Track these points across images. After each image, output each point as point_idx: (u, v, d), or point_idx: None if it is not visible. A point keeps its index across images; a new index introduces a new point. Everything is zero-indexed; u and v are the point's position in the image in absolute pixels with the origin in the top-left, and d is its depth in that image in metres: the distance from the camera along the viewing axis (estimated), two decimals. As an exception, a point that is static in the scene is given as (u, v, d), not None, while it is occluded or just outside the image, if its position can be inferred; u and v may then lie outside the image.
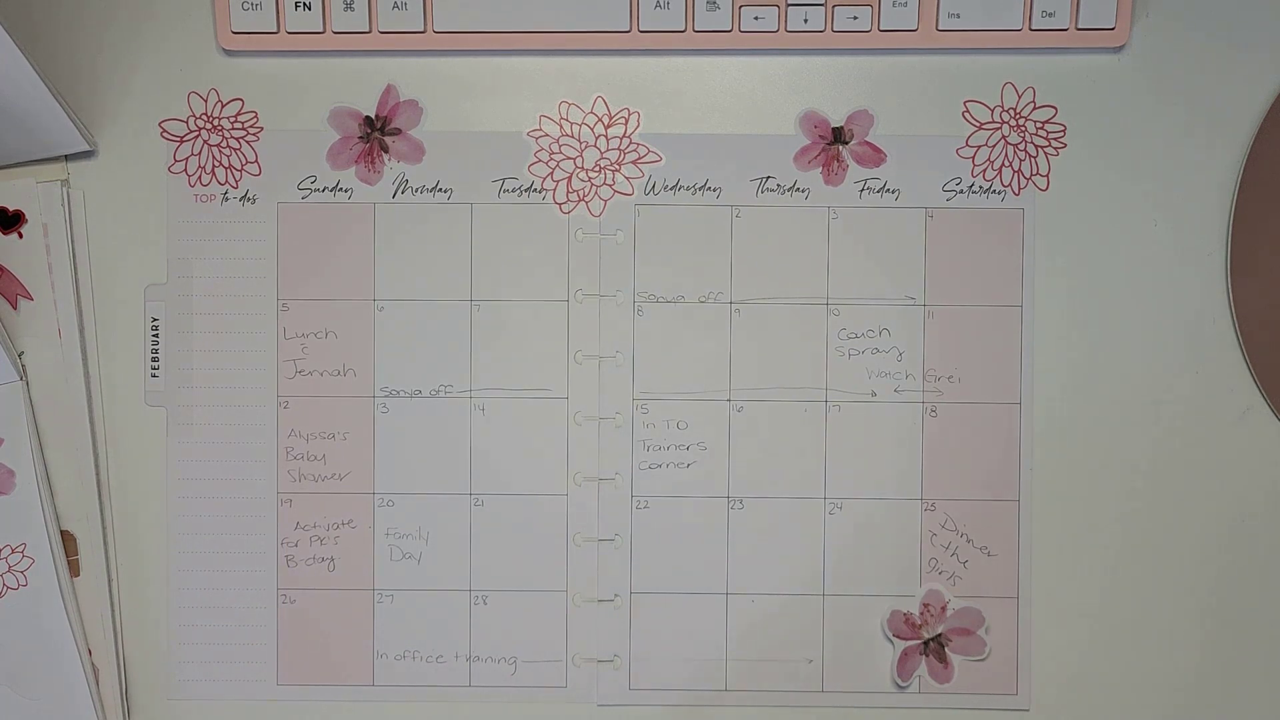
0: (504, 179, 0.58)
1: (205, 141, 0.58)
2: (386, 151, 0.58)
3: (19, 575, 0.57)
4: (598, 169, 0.58)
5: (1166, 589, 0.58)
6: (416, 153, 0.58)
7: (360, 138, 0.58)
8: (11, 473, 0.57)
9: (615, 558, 0.58)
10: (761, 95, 0.57)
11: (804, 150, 0.57)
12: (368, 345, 0.58)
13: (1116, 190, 0.57)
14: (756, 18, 0.55)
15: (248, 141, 0.58)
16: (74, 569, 0.57)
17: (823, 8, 0.55)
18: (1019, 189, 0.57)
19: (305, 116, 0.58)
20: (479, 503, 0.58)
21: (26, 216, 0.57)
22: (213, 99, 0.58)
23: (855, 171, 0.57)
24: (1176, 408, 0.57)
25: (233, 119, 0.58)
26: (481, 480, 0.58)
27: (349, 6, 0.55)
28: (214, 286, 0.58)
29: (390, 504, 0.58)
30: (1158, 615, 0.58)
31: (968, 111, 0.57)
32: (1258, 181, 0.56)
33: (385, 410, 0.58)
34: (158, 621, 0.58)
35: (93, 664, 0.57)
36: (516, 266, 0.58)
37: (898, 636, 0.58)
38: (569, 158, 0.58)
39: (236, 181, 0.58)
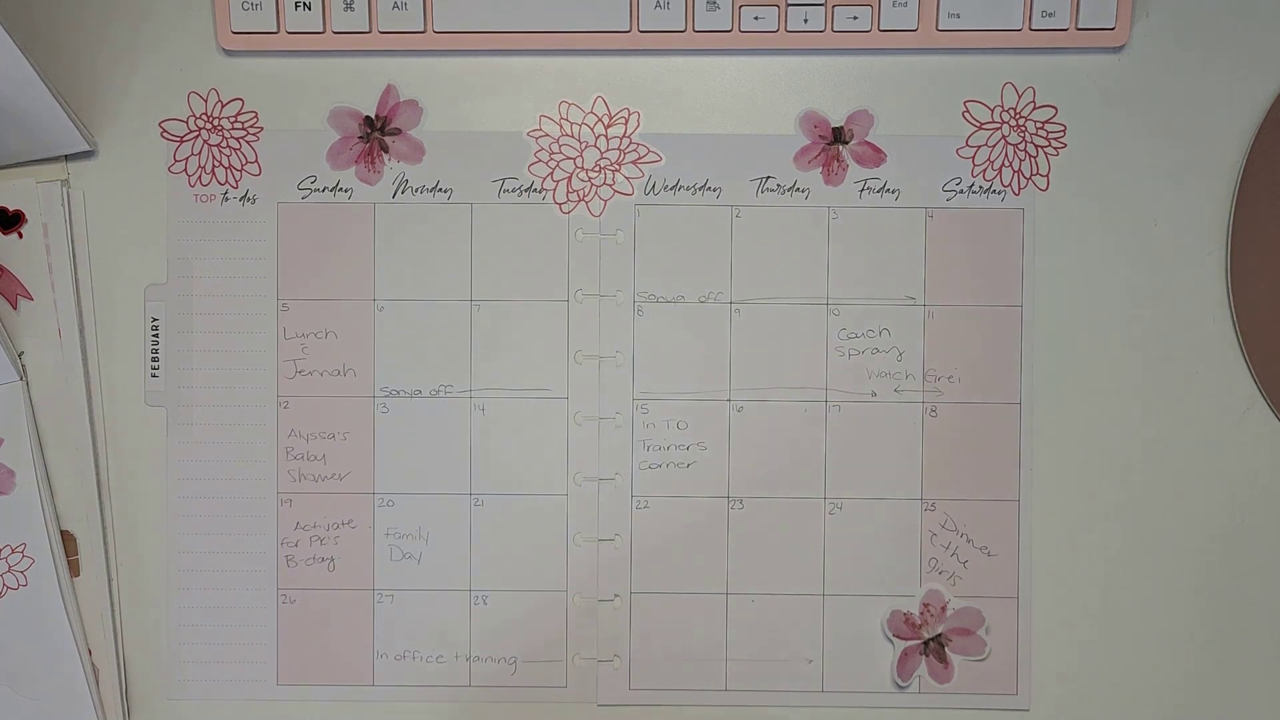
0: (504, 179, 0.58)
1: (205, 141, 0.58)
2: (386, 151, 0.58)
3: (19, 575, 0.57)
4: (598, 169, 0.58)
5: (1166, 589, 0.58)
6: (416, 153, 0.58)
7: (360, 138, 0.58)
8: (11, 473, 0.57)
9: (615, 558, 0.58)
10: (761, 95, 0.57)
11: (804, 150, 0.57)
12: (368, 345, 0.58)
13: (1116, 190, 0.57)
14: (756, 18, 0.55)
15: (248, 141, 0.58)
16: (74, 569, 0.57)
17: (823, 8, 0.55)
18: (1019, 189, 0.57)
19: (305, 116, 0.58)
20: (479, 503, 0.58)
21: (26, 216, 0.57)
22: (213, 99, 0.58)
23: (855, 171, 0.57)
24: (1176, 407, 0.57)
25: (233, 119, 0.58)
26: (481, 480, 0.58)
27: (349, 6, 0.55)
28: (214, 286, 0.58)
29: (390, 504, 0.58)
30: (1157, 615, 0.58)
31: (968, 111, 0.57)
32: (1258, 181, 0.56)
33: (385, 410, 0.58)
34: (158, 621, 0.58)
35: (93, 664, 0.57)
36: (516, 266, 0.58)
37: (898, 636, 0.58)
38: (569, 158, 0.58)
39: (236, 181, 0.58)
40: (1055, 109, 0.57)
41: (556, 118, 0.58)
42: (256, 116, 0.58)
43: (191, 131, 0.58)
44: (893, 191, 0.57)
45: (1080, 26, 0.55)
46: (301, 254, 0.58)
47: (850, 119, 0.57)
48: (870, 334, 0.58)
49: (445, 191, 0.58)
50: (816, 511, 0.58)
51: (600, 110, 0.58)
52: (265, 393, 0.58)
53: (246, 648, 0.58)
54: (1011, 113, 0.57)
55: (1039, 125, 0.57)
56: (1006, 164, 0.57)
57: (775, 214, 0.58)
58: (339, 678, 0.58)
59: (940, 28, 0.56)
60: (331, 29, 0.56)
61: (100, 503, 0.57)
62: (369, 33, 0.56)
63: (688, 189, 0.58)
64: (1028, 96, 0.57)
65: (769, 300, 0.58)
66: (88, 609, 0.58)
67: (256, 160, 0.58)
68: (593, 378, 0.58)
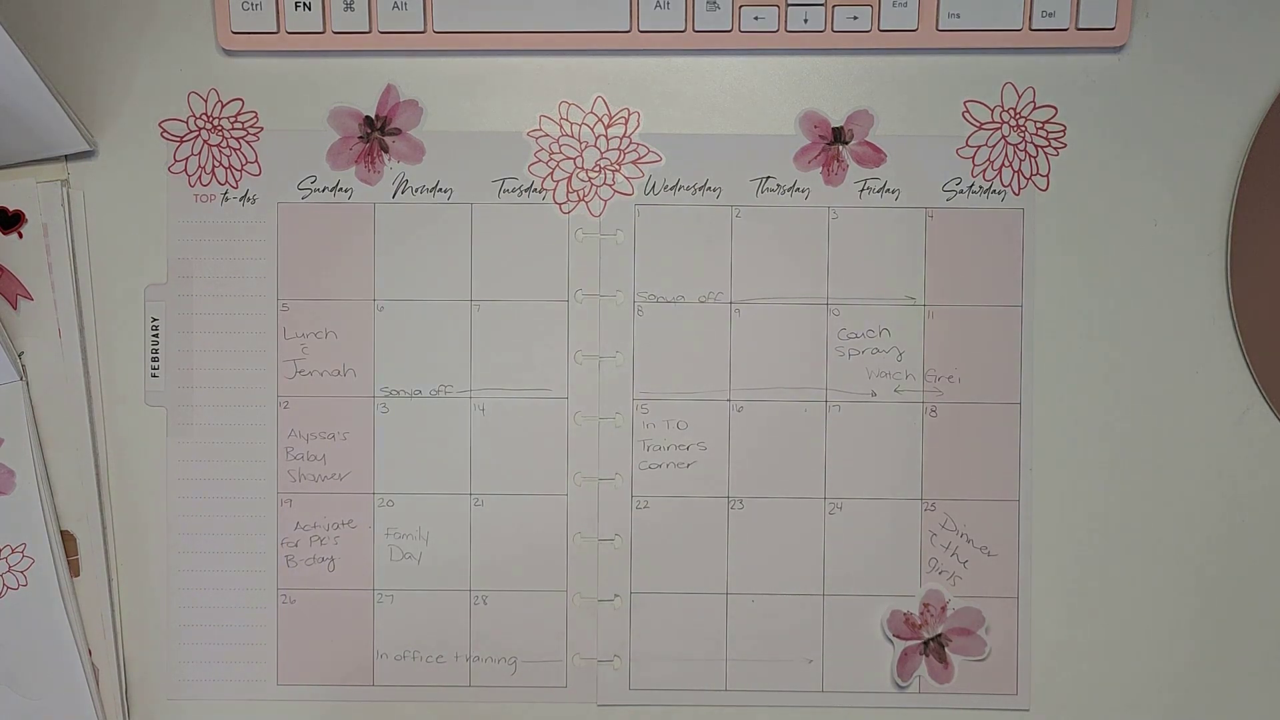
0: (504, 179, 0.58)
1: (205, 141, 0.58)
2: (386, 151, 0.58)
3: (19, 575, 0.57)
4: (598, 169, 0.58)
5: (1166, 589, 0.58)
6: (416, 153, 0.58)
7: (360, 138, 0.58)
8: (11, 473, 0.57)
9: (615, 558, 0.58)
10: (761, 95, 0.57)
11: (804, 150, 0.57)
12: (368, 345, 0.58)
13: (1116, 190, 0.57)
14: (756, 18, 0.55)
15: (248, 141, 0.58)
16: (74, 569, 0.57)
17: (823, 8, 0.55)
18: (1019, 189, 0.57)
19: (305, 116, 0.58)
20: (479, 503, 0.58)
21: (26, 216, 0.57)
22: (213, 99, 0.58)
23: (855, 171, 0.57)
24: (1176, 407, 0.57)
25: (233, 119, 0.58)
26: (481, 480, 0.58)
27: (349, 6, 0.55)
28: (214, 286, 0.58)
29: (390, 504, 0.58)
30: (1157, 615, 0.58)
31: (968, 111, 0.57)
32: (1258, 181, 0.56)
33: (385, 410, 0.58)
34: (158, 621, 0.58)
35: (93, 664, 0.57)
36: (516, 266, 0.58)
37: (898, 636, 0.58)
38: (569, 158, 0.58)
39: (236, 181, 0.58)
40: (1055, 109, 0.57)
41: (556, 118, 0.58)
42: (256, 116, 0.58)
43: (191, 131, 0.58)
44: (893, 191, 0.57)
45: (1080, 26, 0.55)
46: (301, 254, 0.58)
47: (850, 119, 0.57)
48: (870, 334, 0.58)
49: (445, 191, 0.58)
50: (816, 511, 0.58)
51: (600, 110, 0.58)
52: (265, 393, 0.58)
53: (246, 648, 0.58)
54: (1011, 113, 0.57)
55: (1039, 125, 0.57)
56: (1006, 164, 0.57)
57: (775, 214, 0.58)
58: (339, 678, 0.58)
59: (940, 28, 0.56)
60: (331, 29, 0.56)
61: (100, 503, 0.57)
62: (369, 33, 0.56)
63: (688, 189, 0.58)
64: (1028, 96, 0.57)
65: (769, 300, 0.58)
66: (88, 609, 0.58)
67: (256, 160, 0.58)
68: (593, 378, 0.58)
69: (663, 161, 0.58)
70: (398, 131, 0.58)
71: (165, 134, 0.58)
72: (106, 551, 0.58)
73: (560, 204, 0.58)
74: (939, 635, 0.58)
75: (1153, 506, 0.58)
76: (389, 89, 0.58)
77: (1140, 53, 0.57)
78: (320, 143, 0.58)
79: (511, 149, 0.58)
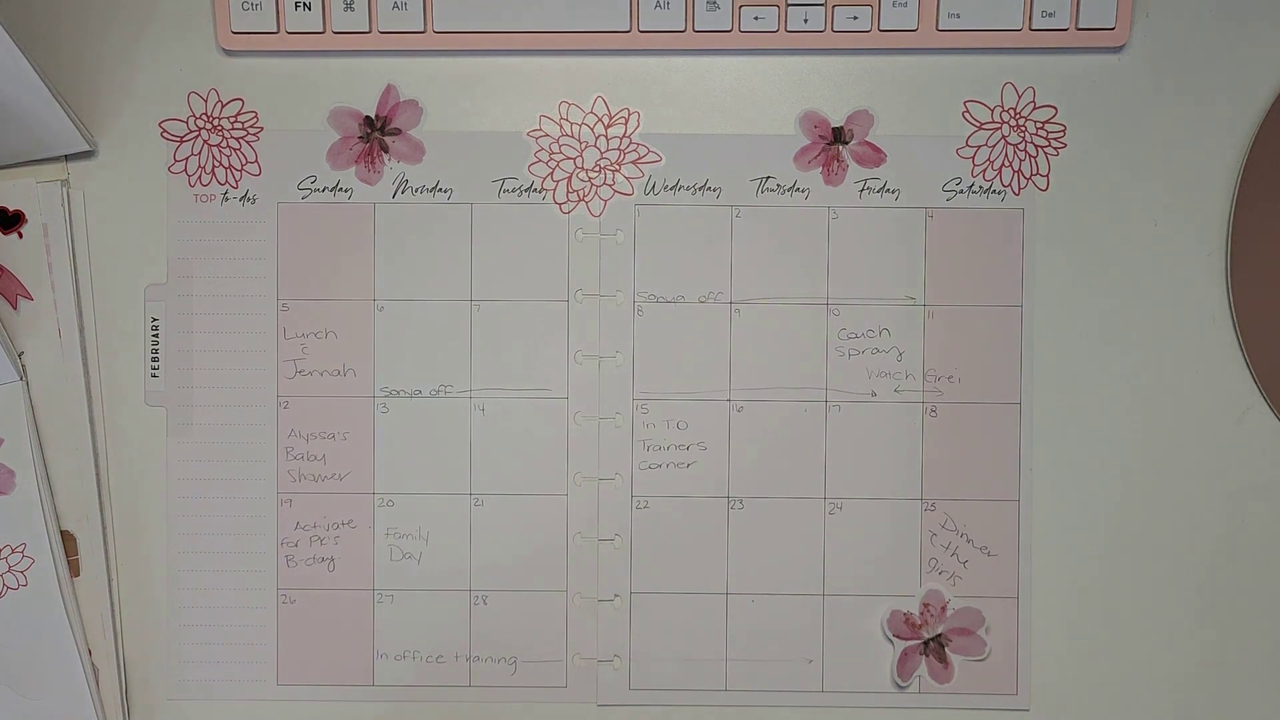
0: (504, 179, 0.58)
1: (205, 141, 0.58)
2: (386, 151, 0.58)
3: (19, 575, 0.57)
4: (598, 169, 0.58)
5: (1166, 589, 0.58)
6: (416, 153, 0.58)
7: (360, 138, 0.58)
8: (11, 473, 0.57)
9: (615, 558, 0.58)
10: (761, 95, 0.57)
11: (804, 150, 0.57)
12: (368, 345, 0.58)
13: (1116, 190, 0.57)
14: (756, 18, 0.55)
15: (248, 141, 0.58)
16: (74, 569, 0.57)
17: (823, 8, 0.55)
18: (1019, 189, 0.57)
19: (305, 116, 0.58)
20: (479, 503, 0.58)
21: (26, 216, 0.57)
22: (213, 99, 0.58)
23: (855, 171, 0.57)
24: (1176, 407, 0.57)
25: (233, 119, 0.58)
26: (481, 480, 0.58)
27: (349, 6, 0.55)
28: (214, 286, 0.58)
29: (390, 504, 0.58)
30: (1157, 615, 0.58)
31: (968, 111, 0.57)
32: (1258, 181, 0.56)
33: (385, 410, 0.58)
34: (158, 621, 0.58)
35: (93, 664, 0.57)
36: (516, 266, 0.58)
37: (898, 636, 0.58)
38: (569, 158, 0.58)
39: (236, 181, 0.58)
40: (1055, 109, 0.57)
41: (556, 118, 0.58)
42: (256, 116, 0.58)
43: (191, 131, 0.58)
44: (893, 191, 0.57)
45: (1080, 26, 0.55)
46: (301, 254, 0.58)
47: (850, 119, 0.57)
48: (870, 334, 0.58)
49: (445, 191, 0.58)
50: (816, 511, 0.58)
51: (600, 110, 0.58)
52: (265, 393, 0.58)
53: (246, 648, 0.58)
54: (1011, 113, 0.57)
55: (1039, 125, 0.57)
56: (1006, 164, 0.57)
57: (775, 214, 0.58)
58: (339, 678, 0.58)
59: (940, 28, 0.56)
60: (331, 29, 0.56)
61: (100, 503, 0.57)
62: (369, 33, 0.56)
63: (688, 189, 0.58)
64: (1028, 96, 0.57)
65: (769, 300, 0.58)
66: (88, 609, 0.58)
67: (256, 160, 0.58)
68: (593, 378, 0.58)
69: (663, 161, 0.58)
70: (398, 131, 0.58)
71: (165, 134, 0.58)
72: (106, 551, 0.58)
73: (560, 204, 0.58)
74: (939, 635, 0.58)
75: (1153, 506, 0.58)
76: (389, 89, 0.58)
77: (1140, 53, 0.57)
78: (320, 143, 0.58)
79: (511, 149, 0.58)
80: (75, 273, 0.57)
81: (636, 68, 0.57)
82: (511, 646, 0.58)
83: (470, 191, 0.58)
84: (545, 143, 0.58)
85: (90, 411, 0.57)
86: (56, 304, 0.57)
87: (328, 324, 0.58)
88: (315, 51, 0.57)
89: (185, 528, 0.58)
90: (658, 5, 0.55)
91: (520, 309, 0.58)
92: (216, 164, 0.58)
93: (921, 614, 0.58)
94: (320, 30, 0.56)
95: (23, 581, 0.57)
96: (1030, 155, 0.57)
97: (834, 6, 0.55)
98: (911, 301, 0.58)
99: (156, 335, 0.58)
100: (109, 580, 0.58)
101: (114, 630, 0.58)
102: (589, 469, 0.58)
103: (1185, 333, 0.57)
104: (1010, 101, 0.57)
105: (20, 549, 0.57)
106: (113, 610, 0.58)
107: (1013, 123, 0.57)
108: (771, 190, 0.58)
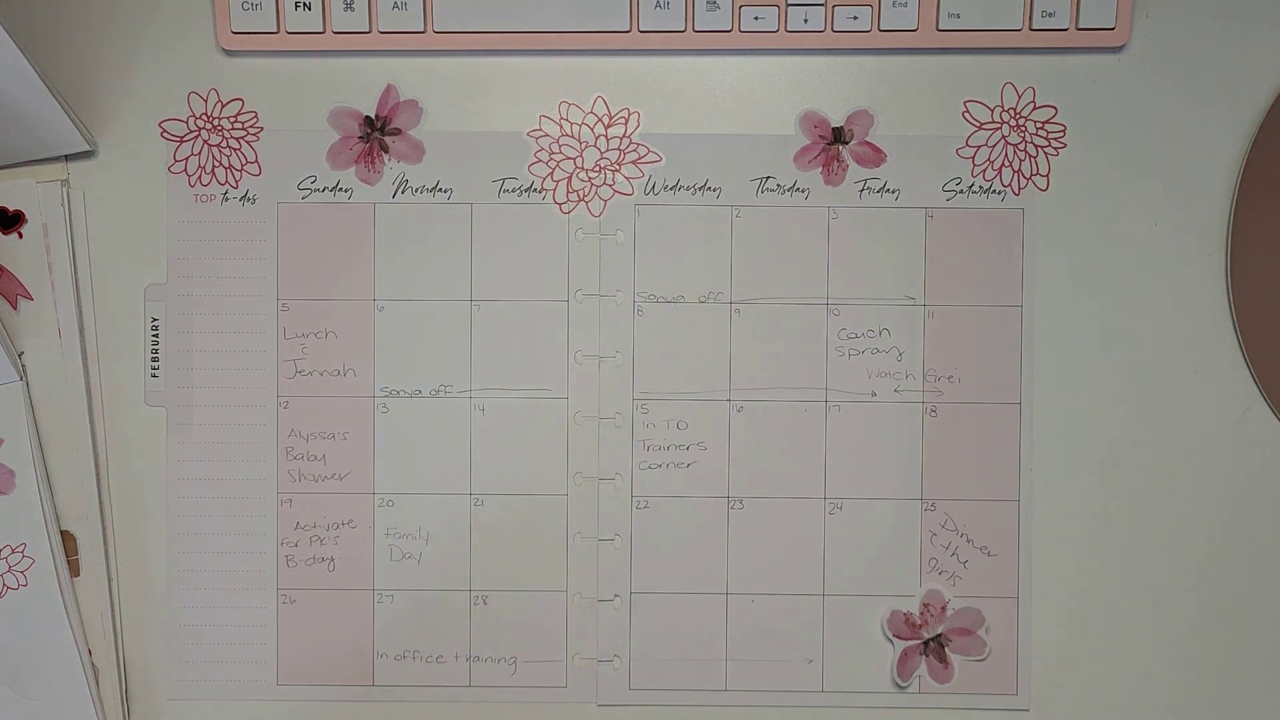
0: (504, 179, 0.58)
1: (205, 141, 0.58)
2: (386, 151, 0.58)
3: (19, 575, 0.57)
4: (598, 169, 0.58)
5: (1166, 589, 0.58)
6: (416, 153, 0.58)
7: (360, 138, 0.58)
8: (11, 473, 0.57)
9: (615, 558, 0.58)
10: (761, 95, 0.57)
11: (804, 150, 0.57)
12: (368, 345, 0.58)
13: (1116, 190, 0.57)
14: (756, 18, 0.55)
15: (248, 141, 0.58)
16: (74, 569, 0.57)
17: (823, 8, 0.55)
18: (1019, 189, 0.57)
19: (305, 116, 0.58)
20: (479, 503, 0.58)
21: (26, 216, 0.57)
22: (213, 99, 0.58)
23: (855, 171, 0.57)
24: (1176, 407, 0.57)
25: (233, 119, 0.58)
26: (481, 480, 0.58)
27: (349, 6, 0.55)
28: (214, 286, 0.58)
29: (390, 504, 0.58)
30: (1157, 615, 0.58)
31: (968, 111, 0.57)
32: (1258, 181, 0.56)
33: (385, 410, 0.58)
34: (158, 621, 0.58)
35: (93, 664, 0.57)
36: (516, 266, 0.58)
37: (898, 636, 0.58)
38: (569, 158, 0.58)
39: (236, 181, 0.58)
40: (1055, 109, 0.57)
41: (556, 118, 0.58)
42: (256, 116, 0.58)
43: (191, 131, 0.58)
44: (893, 191, 0.57)
45: (1080, 26, 0.55)
46: (301, 254, 0.58)
47: (850, 119, 0.57)
48: (870, 334, 0.58)
49: (445, 191, 0.58)
50: (816, 511, 0.58)
51: (600, 110, 0.58)
52: (265, 393, 0.58)
53: (246, 648, 0.58)
54: (1011, 113, 0.57)
55: (1039, 125, 0.57)
56: (1006, 164, 0.57)
57: (775, 214, 0.58)
58: (339, 678, 0.58)
59: (940, 28, 0.56)
60: (331, 29, 0.56)
61: (100, 503, 0.57)
62: (369, 33, 0.56)
63: (688, 189, 0.58)
64: (1028, 96, 0.57)
65: (769, 300, 0.58)
66: (88, 609, 0.58)
67: (256, 160, 0.58)
68: (593, 378, 0.58)
69: (663, 161, 0.58)
70: (398, 131, 0.58)
71: (165, 134, 0.58)
72: (106, 551, 0.58)
73: (560, 204, 0.58)
74: (939, 635, 0.58)
75: (1153, 506, 0.58)
76: (389, 89, 0.58)
77: (1140, 53, 0.57)
78: (320, 143, 0.58)
79: (511, 149, 0.58)
80: (75, 273, 0.57)
81: (636, 68, 0.57)
82: (511, 646, 0.58)
83: (470, 191, 0.58)
84: (545, 143, 0.58)
85: (90, 411, 0.57)
86: (56, 304, 0.57)
87: (328, 324, 0.58)
88: (315, 51, 0.57)
89: (185, 528, 0.58)
90: (658, 5, 0.55)
91: (520, 309, 0.58)
92: (216, 164, 0.58)
93: (921, 614, 0.58)
94: (320, 30, 0.56)
95: (23, 581, 0.57)
96: (1030, 155, 0.57)
97: (834, 6, 0.55)
98: (911, 301, 0.58)
99: (156, 335, 0.58)
100: (109, 580, 0.58)
101: (114, 630, 0.58)
102: (589, 469, 0.58)
103: (1185, 333, 0.57)
104: (1010, 101, 0.57)
105: (20, 549, 0.57)
106: (113, 610, 0.58)
107: (1013, 123, 0.57)
108: (771, 190, 0.58)
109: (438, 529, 0.58)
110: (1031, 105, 0.57)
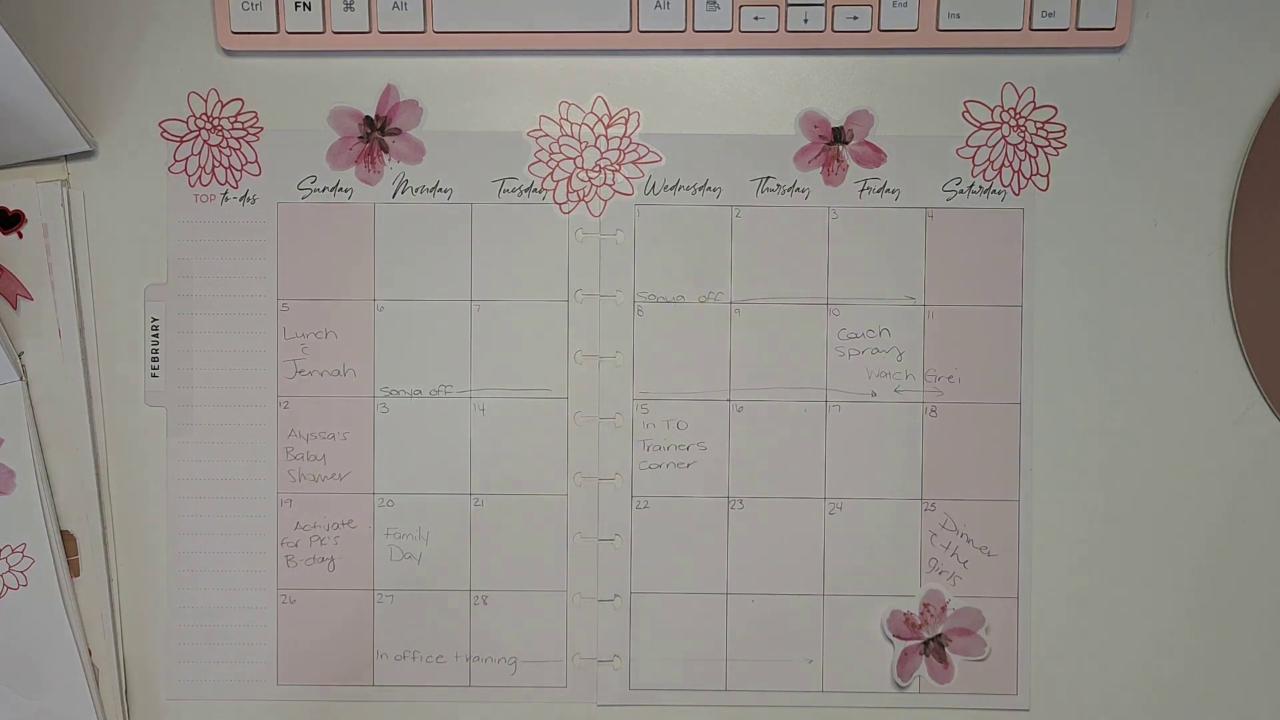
0: (504, 179, 0.58)
1: (205, 141, 0.58)
2: (386, 151, 0.58)
3: (19, 575, 0.57)
4: (598, 169, 0.58)
5: (1166, 589, 0.58)
6: (416, 153, 0.58)
7: (360, 138, 0.58)
8: (11, 473, 0.57)
9: (615, 558, 0.58)
10: (761, 95, 0.57)
11: (804, 150, 0.57)
12: (368, 345, 0.58)
13: (1116, 190, 0.57)
14: (756, 18, 0.55)
15: (248, 141, 0.58)
16: (74, 569, 0.57)
17: (823, 8, 0.55)
18: (1019, 189, 0.57)
19: (305, 116, 0.58)
20: (479, 503, 0.58)
21: (26, 216, 0.57)
22: (213, 99, 0.58)
23: (855, 171, 0.57)
24: (1176, 408, 0.57)
25: (233, 119, 0.58)
26: (481, 480, 0.58)
27: (349, 6, 0.55)
28: (214, 286, 0.58)
29: (390, 504, 0.58)
30: (1157, 615, 0.58)
31: (968, 111, 0.57)
32: (1258, 181, 0.56)
33: (385, 410, 0.58)
34: (157, 621, 0.58)
35: (93, 664, 0.57)
36: (516, 266, 0.58)
37: (898, 636, 0.58)
38: (569, 158, 0.58)
39: (236, 181, 0.58)
40: (1055, 109, 0.57)
41: (556, 118, 0.58)
42: (256, 116, 0.58)
43: (191, 131, 0.58)
44: (893, 191, 0.57)
45: (1080, 26, 0.55)
46: (301, 254, 0.58)
47: (850, 119, 0.57)
48: (870, 334, 0.58)
49: (445, 191, 0.58)
50: (816, 511, 0.58)
51: (600, 110, 0.58)
52: (265, 393, 0.58)
53: (246, 648, 0.58)
54: (1011, 113, 0.57)
55: (1039, 125, 0.57)
56: (1006, 164, 0.57)
57: (775, 214, 0.58)
58: (339, 678, 0.58)
59: (940, 28, 0.56)
60: (331, 29, 0.56)
61: (100, 503, 0.57)
62: (369, 33, 0.56)
63: (688, 189, 0.58)
64: (1028, 96, 0.57)
65: (769, 300, 0.58)
66: (88, 609, 0.58)
67: (256, 160, 0.58)
68: (593, 378, 0.58)
69: (663, 161, 0.58)
70: (398, 131, 0.58)
71: (165, 134, 0.58)
72: (106, 551, 0.58)
73: (560, 204, 0.58)
74: (939, 635, 0.58)
75: (1152, 506, 0.58)
76: (389, 89, 0.58)
77: (1140, 53, 0.57)
78: (320, 143, 0.58)
79: (511, 149, 0.58)
80: (75, 273, 0.57)
81: (636, 68, 0.57)
82: (511, 646, 0.58)
83: (470, 191, 0.58)
84: (545, 143, 0.58)
85: (90, 411, 0.57)
86: (56, 304, 0.57)
87: (328, 324, 0.58)
88: (315, 51, 0.57)
89: (185, 528, 0.58)
90: (658, 5, 0.55)
91: (520, 309, 0.58)
92: (216, 164, 0.58)
93: (921, 614, 0.58)
94: (320, 30, 0.56)
95: (23, 581, 0.57)
96: (1030, 155, 0.57)
97: (834, 6, 0.55)
98: (911, 301, 0.58)
99: (156, 335, 0.58)
100: (109, 580, 0.58)
101: (114, 630, 0.58)
102: (589, 469, 0.58)
103: (1185, 333, 0.57)
104: (1010, 101, 0.57)
105: (20, 549, 0.57)
106: (113, 610, 0.58)
107: (1013, 123, 0.57)
108: (771, 190, 0.58)
109: (438, 529, 0.58)
110: (1031, 105, 0.57)
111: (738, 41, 0.56)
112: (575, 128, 0.58)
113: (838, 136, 0.57)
